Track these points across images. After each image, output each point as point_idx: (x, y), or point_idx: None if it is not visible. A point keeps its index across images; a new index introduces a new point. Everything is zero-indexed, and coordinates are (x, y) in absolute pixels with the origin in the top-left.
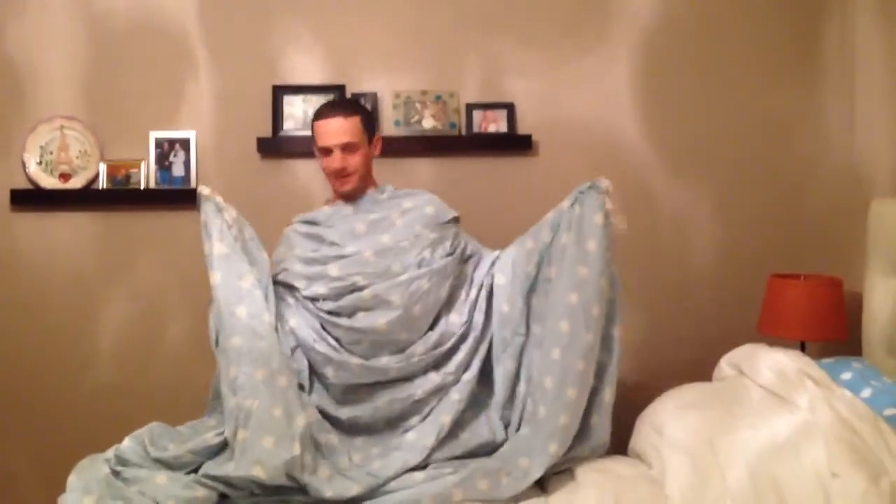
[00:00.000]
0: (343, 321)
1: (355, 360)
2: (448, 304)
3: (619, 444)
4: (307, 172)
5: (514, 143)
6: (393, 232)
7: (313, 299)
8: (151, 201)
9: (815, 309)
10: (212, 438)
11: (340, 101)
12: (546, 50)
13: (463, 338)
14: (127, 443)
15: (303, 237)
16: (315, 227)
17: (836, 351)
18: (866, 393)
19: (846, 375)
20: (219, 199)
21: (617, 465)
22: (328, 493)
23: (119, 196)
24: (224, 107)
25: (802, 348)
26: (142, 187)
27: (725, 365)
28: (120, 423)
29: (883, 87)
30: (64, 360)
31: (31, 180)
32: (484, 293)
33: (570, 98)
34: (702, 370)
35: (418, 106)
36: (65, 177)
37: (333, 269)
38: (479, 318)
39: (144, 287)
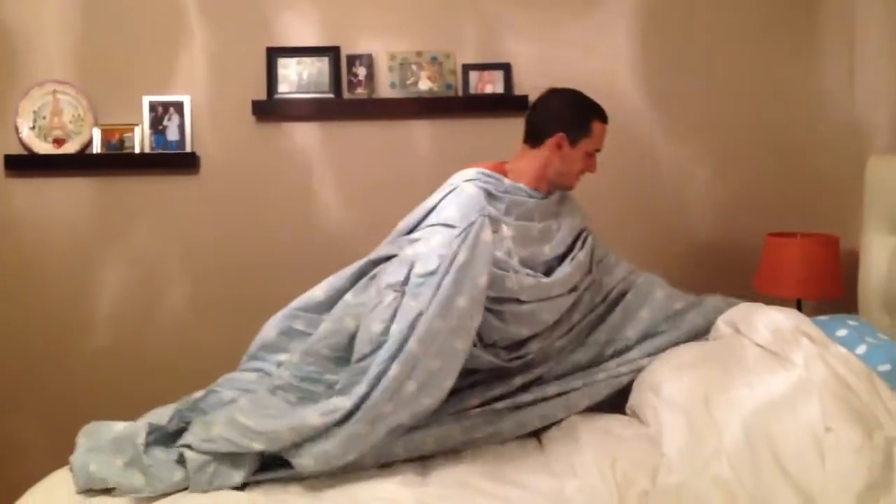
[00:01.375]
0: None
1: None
2: None
3: (620, 403)
4: (304, 136)
5: (511, 105)
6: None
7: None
8: (147, 166)
9: (812, 267)
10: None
11: None
12: (543, 10)
13: None
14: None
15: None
16: (524, 223)
17: (832, 309)
18: (861, 349)
19: (841, 332)
20: None
21: (615, 423)
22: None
23: (114, 161)
24: (218, 70)
25: (799, 306)
26: (136, 152)
27: (722, 324)
28: (120, 387)
29: (882, 45)
30: (62, 324)
31: (24, 145)
32: None
33: (567, 59)
34: None
35: (414, 67)
36: (59, 142)
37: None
38: None
39: (142, 252)
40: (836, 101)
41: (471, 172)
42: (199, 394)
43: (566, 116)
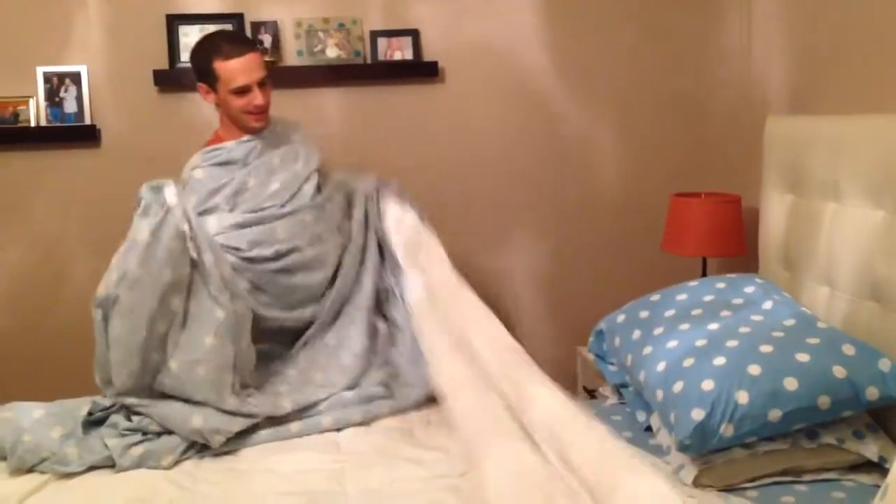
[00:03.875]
0: (283, 279)
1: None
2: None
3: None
4: (209, 106)
5: (421, 71)
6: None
7: (253, 259)
8: (44, 140)
9: (715, 226)
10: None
11: (239, 35)
12: None
13: None
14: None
15: (217, 180)
16: (230, 168)
17: (735, 266)
18: (768, 305)
19: (749, 289)
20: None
21: None
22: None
23: (8, 135)
24: (116, 38)
25: (704, 265)
26: (32, 125)
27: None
28: (24, 367)
29: (778, 7)
30: None
31: None
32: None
33: (474, 24)
34: (609, 292)
35: (321, 35)
36: None
37: (280, 232)
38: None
39: (43, 229)
40: (736, 63)
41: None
42: None
43: (195, 66)
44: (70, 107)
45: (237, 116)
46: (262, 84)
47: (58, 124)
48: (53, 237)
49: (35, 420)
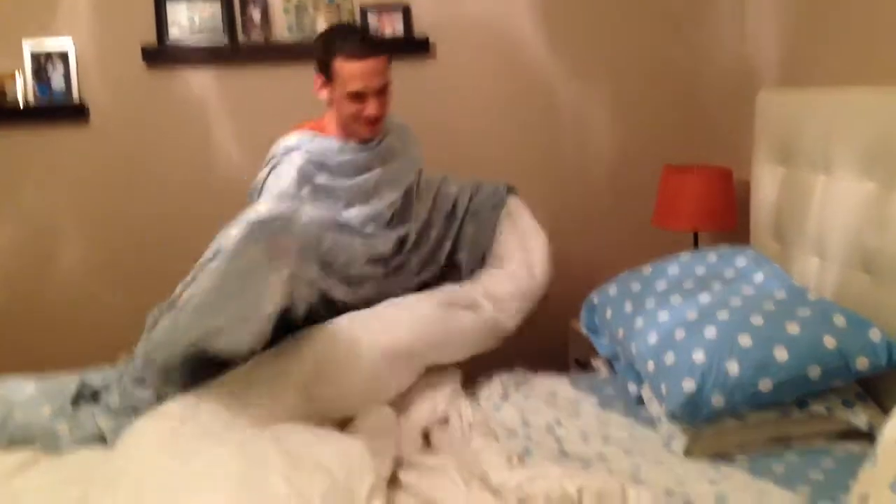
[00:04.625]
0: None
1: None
2: None
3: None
4: (199, 82)
5: (412, 47)
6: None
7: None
8: (31, 118)
9: (707, 199)
10: None
11: (369, 35)
12: None
13: None
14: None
15: (317, 190)
16: (329, 179)
17: (726, 240)
18: (759, 277)
19: (740, 262)
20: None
21: None
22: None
23: None
24: (103, 14)
25: (695, 239)
26: (20, 103)
27: None
28: (16, 346)
29: None
30: None
31: None
32: None
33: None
34: (600, 265)
35: (311, 10)
36: None
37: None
38: None
39: (31, 209)
40: (729, 35)
41: (292, 138)
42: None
43: (317, 58)
44: (58, 84)
45: (348, 121)
46: (380, 92)
47: (45, 102)
48: (42, 217)
49: (27, 397)
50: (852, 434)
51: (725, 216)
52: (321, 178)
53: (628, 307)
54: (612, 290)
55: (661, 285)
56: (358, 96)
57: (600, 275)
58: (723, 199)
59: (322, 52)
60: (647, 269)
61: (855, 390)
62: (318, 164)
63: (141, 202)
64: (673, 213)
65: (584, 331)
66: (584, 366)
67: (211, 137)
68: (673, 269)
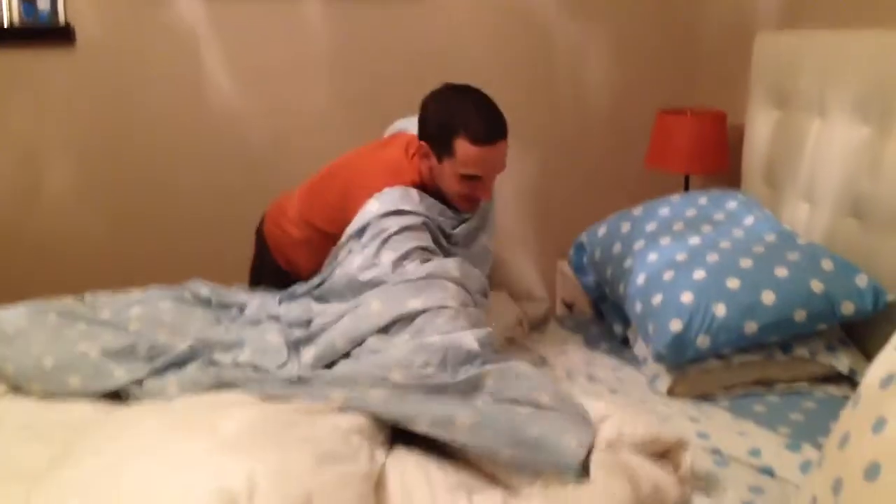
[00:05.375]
0: None
1: None
2: None
3: None
4: (190, 7)
5: None
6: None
7: None
8: (16, 39)
9: (700, 142)
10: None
11: (499, 116)
12: None
13: None
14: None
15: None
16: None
17: (717, 183)
18: (749, 220)
19: (731, 205)
20: None
21: None
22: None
23: None
24: None
25: (686, 182)
26: (4, 22)
27: None
28: (8, 274)
29: None
30: None
31: None
32: None
33: None
34: (591, 206)
35: None
36: None
37: None
38: None
39: (16, 134)
40: None
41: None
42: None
43: (432, 126)
44: (43, 4)
45: (448, 194)
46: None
47: (31, 23)
48: (28, 142)
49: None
50: (833, 378)
51: (718, 159)
52: (444, 242)
53: (617, 248)
54: (601, 230)
55: (651, 226)
56: (472, 178)
57: (590, 216)
58: (716, 142)
59: (441, 125)
60: (638, 210)
61: (838, 335)
62: (439, 229)
63: (129, 129)
64: (666, 156)
65: (571, 271)
66: (570, 307)
67: (200, 64)
68: (663, 210)
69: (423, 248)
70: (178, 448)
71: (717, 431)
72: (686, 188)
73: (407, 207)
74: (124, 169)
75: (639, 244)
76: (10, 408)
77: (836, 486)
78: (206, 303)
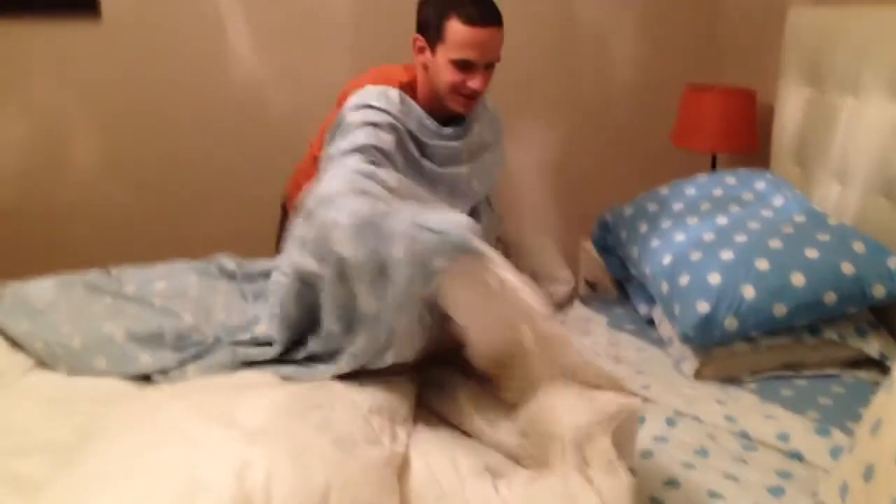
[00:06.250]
0: None
1: None
2: None
3: None
4: None
5: None
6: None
7: None
8: (41, 9)
9: (728, 120)
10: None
11: (492, 4)
12: None
13: None
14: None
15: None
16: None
17: (745, 163)
18: (778, 201)
19: (760, 185)
20: None
21: None
22: None
23: (4, 4)
24: None
25: (714, 161)
26: None
27: None
28: (31, 244)
29: None
30: None
31: None
32: None
33: None
34: (616, 184)
35: None
36: None
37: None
38: None
39: (43, 105)
40: None
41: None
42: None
43: (426, 14)
44: None
45: (441, 90)
46: (489, 66)
47: None
48: (55, 113)
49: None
50: (863, 362)
51: (746, 138)
52: (414, 152)
53: (643, 228)
54: (627, 210)
55: (677, 206)
56: (464, 66)
57: (615, 193)
58: (744, 120)
59: (432, 7)
60: (665, 190)
61: (867, 318)
62: (410, 135)
63: (154, 101)
64: (692, 133)
65: (594, 250)
66: (593, 286)
67: (225, 37)
68: (690, 190)
69: (378, 149)
70: (199, 436)
71: (745, 415)
72: (713, 167)
73: (379, 105)
74: (149, 141)
75: (665, 224)
76: (38, 382)
77: (868, 473)
78: (230, 276)
